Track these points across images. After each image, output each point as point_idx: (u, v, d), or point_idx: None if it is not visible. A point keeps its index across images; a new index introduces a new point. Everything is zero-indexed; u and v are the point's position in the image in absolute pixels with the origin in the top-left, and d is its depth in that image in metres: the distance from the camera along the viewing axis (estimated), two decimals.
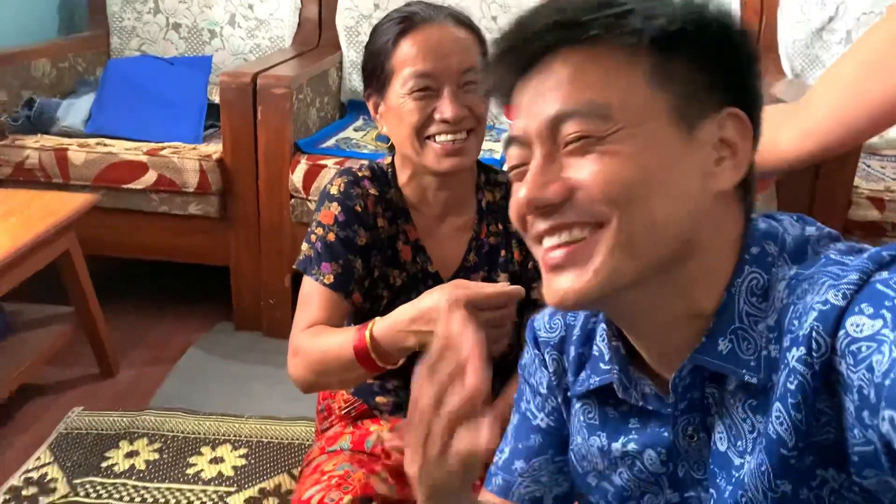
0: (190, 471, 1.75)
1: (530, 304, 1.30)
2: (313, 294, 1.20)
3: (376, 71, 1.19)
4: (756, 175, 0.70)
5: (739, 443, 0.67)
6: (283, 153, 2.16)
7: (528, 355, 0.85)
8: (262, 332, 2.32)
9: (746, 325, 0.65)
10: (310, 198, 2.15)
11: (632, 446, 0.75)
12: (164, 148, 2.22)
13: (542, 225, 0.66)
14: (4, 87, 2.32)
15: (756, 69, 0.66)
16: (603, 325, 0.74)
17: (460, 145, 1.16)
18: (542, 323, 0.83)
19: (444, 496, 0.70)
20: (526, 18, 0.65)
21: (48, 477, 1.71)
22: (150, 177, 2.18)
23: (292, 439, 1.86)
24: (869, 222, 2.03)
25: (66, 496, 1.66)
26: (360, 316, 1.24)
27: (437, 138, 1.16)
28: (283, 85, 2.12)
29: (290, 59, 2.45)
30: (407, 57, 1.15)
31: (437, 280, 1.27)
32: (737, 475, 0.67)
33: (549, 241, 0.66)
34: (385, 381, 1.31)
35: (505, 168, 1.01)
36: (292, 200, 2.18)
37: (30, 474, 1.72)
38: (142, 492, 1.68)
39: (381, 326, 1.07)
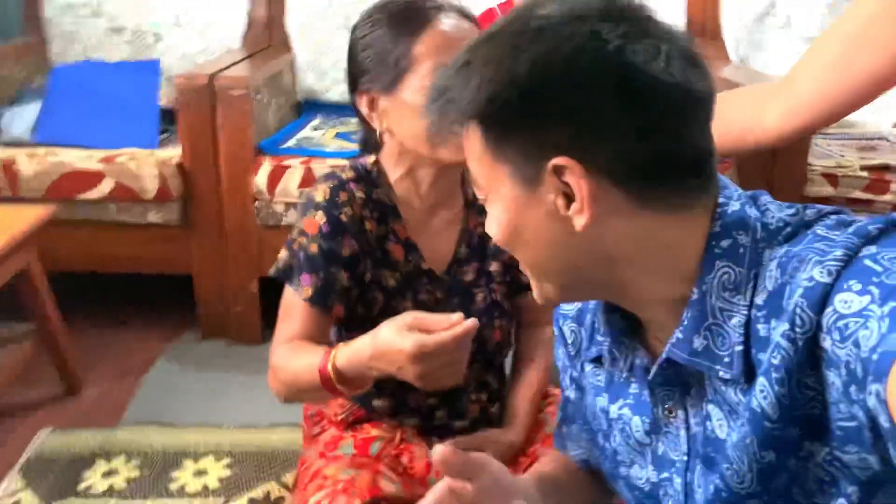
0: (173, 485, 1.70)
1: (521, 287, 1.32)
2: (293, 306, 1.18)
3: (383, 65, 1.14)
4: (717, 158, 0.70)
5: (738, 424, 0.68)
6: (245, 155, 2.11)
7: (555, 328, 0.90)
8: (230, 340, 2.26)
9: (720, 320, 0.67)
10: (275, 199, 2.12)
11: (625, 411, 0.79)
12: (119, 155, 2.15)
13: None
14: None
15: (600, 85, 0.64)
16: (601, 302, 0.77)
17: None
18: None
19: None
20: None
21: None
22: (106, 185, 2.11)
23: (275, 446, 1.82)
24: (824, 198, 2.10)
25: None
26: (356, 322, 1.22)
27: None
28: (241, 86, 2.07)
29: (242, 59, 2.39)
30: (429, 50, 1.11)
31: (431, 277, 1.25)
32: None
33: None
34: (382, 381, 1.28)
35: None
36: (256, 203, 2.14)
37: (1, 503, 1.64)
38: None
39: (344, 357, 1.05)
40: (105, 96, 2.31)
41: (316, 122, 2.55)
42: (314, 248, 1.17)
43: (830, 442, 0.62)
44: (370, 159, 1.24)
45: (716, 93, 0.68)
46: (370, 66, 1.15)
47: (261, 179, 2.11)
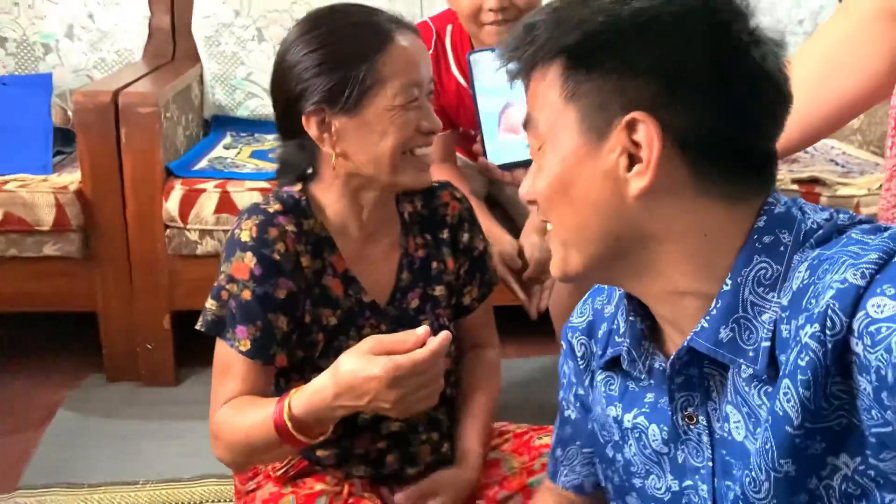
0: None
1: (463, 309, 1.28)
2: (230, 363, 1.09)
3: (344, 84, 1.06)
4: None
5: (759, 429, 0.67)
6: (154, 179, 1.94)
7: (563, 342, 0.89)
8: (140, 382, 2.08)
9: (750, 314, 0.66)
10: (188, 226, 1.95)
11: (640, 420, 0.78)
12: (7, 182, 1.94)
13: None
14: None
15: (701, 49, 0.65)
16: (625, 302, 0.77)
17: (429, 158, 1.13)
18: (578, 308, 0.88)
19: None
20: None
21: None
22: None
23: (202, 502, 1.66)
24: None
25: None
26: (295, 368, 1.14)
27: (418, 151, 1.10)
28: (149, 103, 1.90)
29: (146, 74, 2.22)
30: (398, 64, 1.06)
31: (373, 309, 1.18)
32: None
33: None
34: None
35: None
36: (168, 231, 1.97)
37: None
38: None
39: (301, 402, 0.97)
40: None
41: (227, 140, 2.41)
42: (247, 295, 1.08)
43: (864, 451, 0.61)
44: (296, 188, 1.15)
45: (791, 102, 0.70)
46: (321, 86, 1.07)
47: (172, 205, 1.94)
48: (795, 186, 2.10)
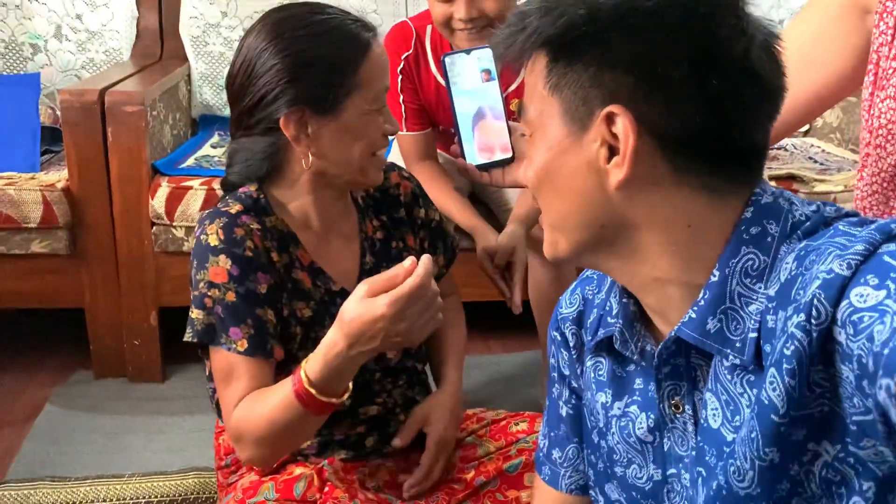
0: None
1: (434, 279, 1.30)
2: (231, 366, 1.08)
3: (325, 85, 1.08)
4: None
5: (737, 418, 0.68)
6: (141, 177, 1.95)
7: (550, 335, 0.89)
8: (127, 378, 2.09)
9: (738, 305, 0.67)
10: (175, 224, 1.97)
11: (633, 408, 0.78)
12: None
13: None
14: None
15: (679, 43, 0.64)
16: (618, 284, 0.77)
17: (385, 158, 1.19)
18: (565, 298, 0.87)
19: None
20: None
21: None
22: None
23: (187, 494, 1.66)
24: None
25: None
26: (278, 362, 1.13)
27: (379, 152, 1.14)
28: (135, 102, 1.91)
29: (133, 73, 2.23)
30: (374, 72, 1.10)
31: (344, 297, 1.16)
32: (727, 450, 0.68)
33: None
34: None
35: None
36: (154, 228, 1.98)
37: None
38: None
39: (315, 366, 0.98)
40: None
41: (214, 139, 2.42)
42: (231, 297, 1.08)
43: (844, 439, 0.62)
44: (252, 188, 1.16)
45: (785, 92, 0.68)
46: (302, 88, 1.08)
47: (158, 203, 1.96)
48: (773, 184, 2.10)
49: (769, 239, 0.67)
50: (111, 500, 1.64)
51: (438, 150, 1.88)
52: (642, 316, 0.76)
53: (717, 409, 0.69)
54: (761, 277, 0.66)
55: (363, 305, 0.94)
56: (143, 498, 1.65)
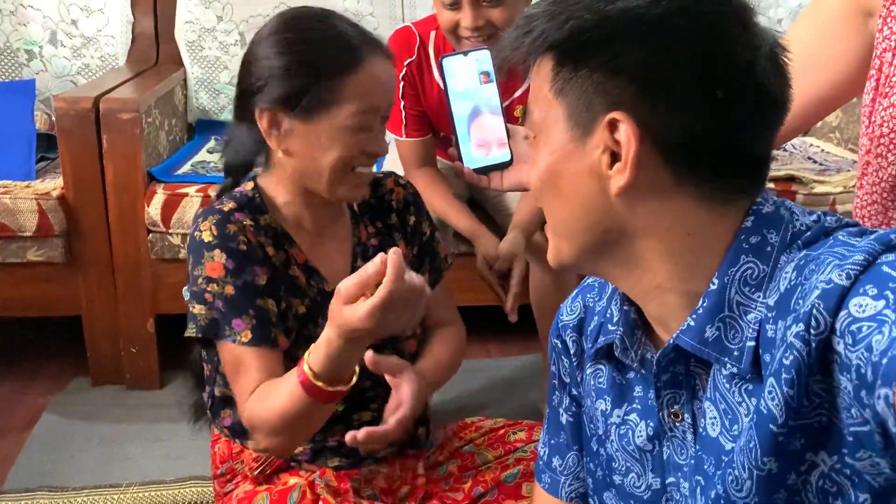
0: None
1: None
2: (238, 358, 1.09)
3: (305, 89, 1.08)
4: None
5: (735, 427, 0.68)
6: (136, 184, 1.94)
7: (551, 343, 0.89)
8: (125, 386, 2.08)
9: (736, 314, 0.67)
10: (171, 231, 1.96)
11: (627, 415, 0.78)
12: None
13: None
14: None
15: (684, 52, 0.64)
16: (619, 291, 0.77)
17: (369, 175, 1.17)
18: (566, 306, 0.87)
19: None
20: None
21: None
22: None
23: None
24: None
25: None
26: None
27: (359, 168, 1.13)
28: (130, 108, 1.90)
29: (129, 79, 2.23)
30: (362, 89, 1.09)
31: None
32: (726, 459, 0.68)
33: None
34: None
35: None
36: (150, 235, 1.98)
37: None
38: None
39: (318, 358, 0.99)
40: None
41: (211, 143, 2.41)
42: (230, 290, 1.09)
43: (841, 449, 0.61)
44: (247, 186, 1.19)
45: (790, 104, 0.68)
46: (280, 88, 1.09)
47: (154, 210, 1.95)
48: (772, 185, 2.11)
49: (769, 248, 0.66)
50: None
51: (438, 157, 1.88)
52: (643, 324, 0.76)
53: (715, 417, 0.69)
54: (760, 286, 0.66)
55: (345, 313, 0.94)
56: None
